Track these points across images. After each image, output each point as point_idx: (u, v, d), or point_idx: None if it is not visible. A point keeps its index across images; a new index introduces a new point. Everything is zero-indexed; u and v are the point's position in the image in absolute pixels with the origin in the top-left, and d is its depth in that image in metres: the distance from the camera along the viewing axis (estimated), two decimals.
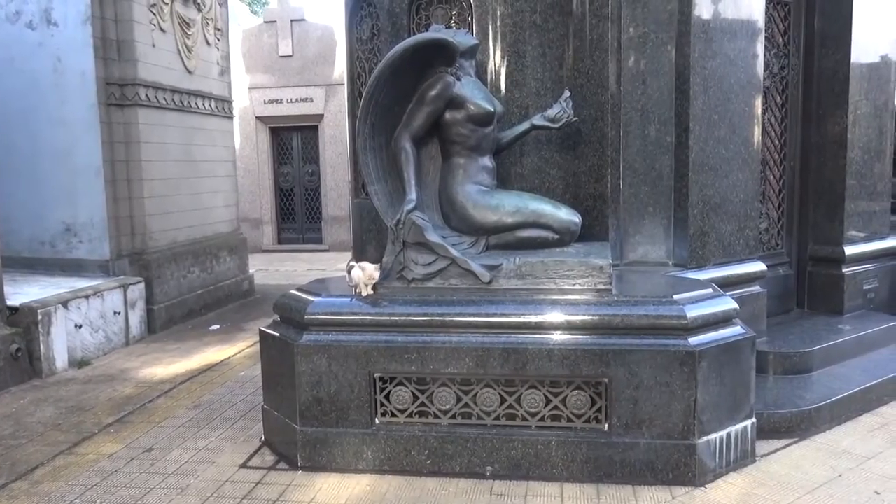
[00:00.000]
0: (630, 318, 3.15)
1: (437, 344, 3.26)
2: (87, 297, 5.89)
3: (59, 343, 5.51)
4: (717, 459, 3.17)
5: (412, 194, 3.43)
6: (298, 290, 3.74)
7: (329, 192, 13.91)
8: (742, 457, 3.27)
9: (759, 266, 4.26)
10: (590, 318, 3.18)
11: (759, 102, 4.22)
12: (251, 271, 9.15)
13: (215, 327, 7.02)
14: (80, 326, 5.76)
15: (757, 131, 4.23)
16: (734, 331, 3.27)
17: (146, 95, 6.82)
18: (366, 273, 3.43)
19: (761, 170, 4.48)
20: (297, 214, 14.39)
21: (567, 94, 3.63)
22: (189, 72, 7.70)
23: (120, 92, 6.63)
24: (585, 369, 3.14)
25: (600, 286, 3.29)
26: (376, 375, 3.33)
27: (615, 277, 3.41)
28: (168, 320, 7.01)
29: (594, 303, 3.23)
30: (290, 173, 14.29)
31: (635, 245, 4.06)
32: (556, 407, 3.22)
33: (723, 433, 3.17)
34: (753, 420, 3.31)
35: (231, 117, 8.75)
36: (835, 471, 3.23)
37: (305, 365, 3.37)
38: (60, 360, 5.52)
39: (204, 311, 7.66)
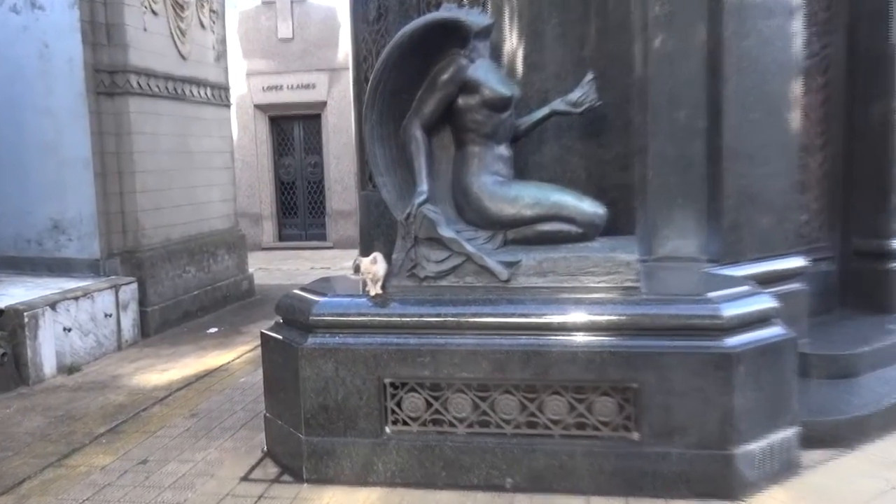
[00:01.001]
0: (660, 318, 3.13)
1: (452, 347, 3.25)
2: (76, 298, 5.92)
3: (47, 348, 5.54)
4: (757, 471, 3.14)
5: (423, 186, 3.43)
6: (302, 289, 3.74)
7: (333, 184, 13.95)
8: (784, 468, 3.24)
9: (799, 261, 4.21)
10: (616, 317, 3.16)
11: (797, 84, 4.18)
12: (250, 270, 9.19)
13: (213, 330, 7.04)
14: (69, 330, 5.79)
15: (796, 115, 4.19)
16: (773, 331, 3.23)
17: (138, 83, 6.85)
18: (365, 266, 3.43)
19: (801, 157, 4.43)
20: (299, 209, 14.44)
21: (590, 76, 3.61)
22: (183, 57, 7.72)
23: (110, 79, 6.65)
24: (612, 373, 3.12)
25: (627, 283, 3.27)
26: (387, 381, 3.33)
27: (643, 274, 3.39)
28: (162, 323, 7.04)
29: (621, 301, 3.21)
30: (292, 165, 14.34)
31: (665, 239, 4.01)
32: (581, 414, 3.19)
33: (763, 442, 3.15)
34: (796, 428, 3.27)
35: (228, 105, 8.78)
36: (888, 483, 3.18)
37: (310, 370, 3.37)
38: (48, 366, 5.55)
39: (200, 313, 7.69)
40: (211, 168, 8.32)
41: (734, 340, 3.09)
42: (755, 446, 3.12)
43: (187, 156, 7.82)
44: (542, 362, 3.17)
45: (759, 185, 4.02)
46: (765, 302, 3.30)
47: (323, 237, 14.20)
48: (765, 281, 3.81)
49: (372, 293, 3.47)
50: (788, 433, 3.24)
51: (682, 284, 3.48)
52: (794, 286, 4.15)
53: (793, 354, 3.24)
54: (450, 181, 3.61)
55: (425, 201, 3.40)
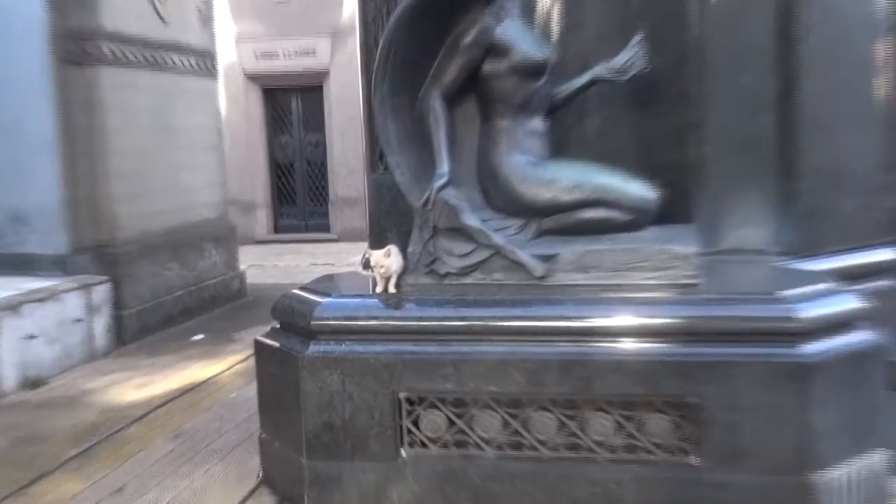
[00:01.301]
0: (724, 321, 3.10)
1: (479, 355, 3.23)
2: (40, 300, 5.96)
3: (9, 358, 5.59)
4: (839, 502, 3.09)
5: (444, 167, 3.42)
6: (302, 289, 3.74)
7: (338, 166, 13.99)
8: (872, 498, 3.18)
9: (888, 254, 4.18)
10: (672, 320, 3.13)
11: (887, 45, 4.13)
12: (242, 267, 9.24)
13: (199, 337, 7.08)
14: (34, 337, 5.82)
15: (886, 80, 4.14)
16: (859, 336, 3.18)
17: (111, 51, 6.86)
18: (376, 261, 3.44)
19: (891, 130, 4.37)
20: (298, 196, 14.51)
21: (638, 38, 3.58)
22: (163, 20, 7.74)
23: (78, 47, 6.67)
24: (667, 386, 3.09)
25: (684, 280, 3.25)
26: (402, 395, 3.32)
27: (703, 269, 3.36)
28: (141, 329, 7.08)
29: (677, 301, 3.19)
30: (289, 144, 14.41)
31: (729, 228, 3.98)
32: (630, 435, 3.17)
33: (846, 469, 3.09)
34: (885, 452, 3.21)
35: (215, 76, 8.80)
36: None
37: (313, 383, 3.37)
38: (9, 380, 5.60)
39: (184, 318, 7.74)
40: (196, 148, 8.36)
41: (812, 347, 3.04)
42: (836, 473, 3.07)
43: (168, 134, 7.86)
44: (584, 373, 3.14)
45: (840, 164, 3.99)
46: (848, 302, 3.25)
47: (326, 228, 14.27)
48: (848, 277, 3.76)
49: (384, 292, 3.47)
50: (876, 458, 3.18)
51: (749, 281, 3.46)
52: (882, 283, 4.09)
53: (881, 364, 3.18)
54: (475, 161, 3.60)
55: (446, 185, 3.38)
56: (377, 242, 4.04)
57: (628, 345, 3.16)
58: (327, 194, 14.27)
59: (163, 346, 6.79)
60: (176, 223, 7.90)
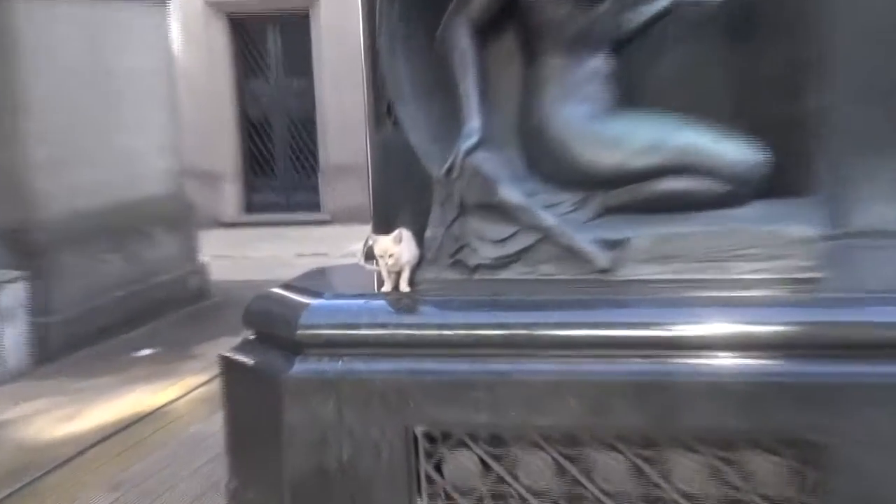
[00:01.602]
0: (856, 329, 3.07)
1: (523, 375, 3.21)
2: None
3: None
4: None
5: (474, 122, 3.41)
6: (285, 287, 3.74)
7: (330, 123, 14.00)
8: None
9: None
10: (785, 328, 3.09)
11: None
12: (204, 260, 9.32)
13: (147, 352, 7.13)
14: None
15: None
16: None
17: None
18: (383, 249, 3.43)
19: None
20: (277, 163, 14.55)
21: None
22: None
23: None
24: (780, 418, 3.05)
25: (802, 273, 3.23)
26: (419, 430, 3.30)
27: (828, 258, 3.32)
28: (70, 341, 7.11)
29: (793, 302, 3.17)
30: (266, 94, 14.43)
31: (860, 203, 3.82)
32: (731, 484, 3.13)
33: None
34: None
35: (165, 2, 8.79)
36: None
37: (300, 413, 3.35)
38: None
39: (128, 326, 7.78)
40: (141, 101, 8.41)
41: None
42: None
43: (104, 83, 7.90)
44: (666, 401, 3.11)
45: None
46: None
47: (315, 206, 14.30)
48: None
49: (393, 291, 3.46)
50: None
51: (889, 274, 3.38)
52: None
53: None
54: (515, 114, 3.57)
55: (477, 146, 3.37)
56: (384, 225, 3.95)
57: (726, 361, 3.12)
58: (316, 161, 14.29)
59: (99, 365, 6.80)
60: (115, 200, 7.91)
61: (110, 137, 7.89)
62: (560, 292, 3.34)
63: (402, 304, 3.43)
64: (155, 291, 8.17)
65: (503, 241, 3.40)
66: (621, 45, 3.64)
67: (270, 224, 14.04)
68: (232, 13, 14.25)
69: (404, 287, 3.45)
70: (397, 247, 3.42)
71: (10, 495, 4.46)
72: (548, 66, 3.51)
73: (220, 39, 14.30)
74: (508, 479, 3.27)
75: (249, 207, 14.60)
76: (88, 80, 7.59)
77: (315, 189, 14.34)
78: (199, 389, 6.04)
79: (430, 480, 3.34)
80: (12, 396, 6.12)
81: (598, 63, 3.54)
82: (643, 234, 3.33)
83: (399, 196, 4.07)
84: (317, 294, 3.56)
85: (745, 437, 3.11)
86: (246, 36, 14.48)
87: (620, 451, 3.20)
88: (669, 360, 3.16)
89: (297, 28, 14.25)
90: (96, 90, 7.71)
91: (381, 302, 3.46)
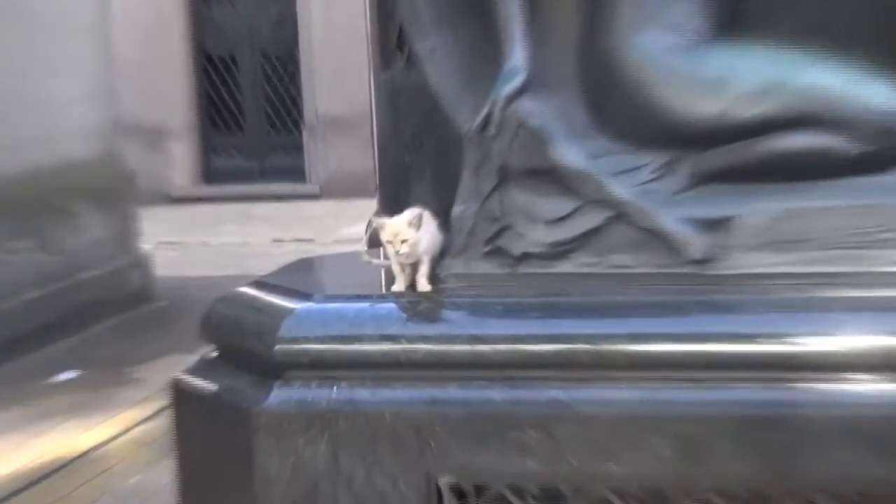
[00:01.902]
0: None
1: (586, 407, 2.80)
2: None
3: None
4: None
5: (517, 58, 3.02)
6: (257, 286, 3.34)
7: (320, 63, 13.52)
8: None
9: None
10: None
11: None
12: (146, 248, 9.00)
13: (70, 375, 6.77)
14: None
15: None
16: None
17: None
18: (392, 233, 2.99)
19: None
20: (245, 115, 14.11)
21: None
22: None
23: None
24: None
25: None
26: (445, 481, 2.88)
27: None
28: None
29: None
30: (229, 22, 13.88)
31: None
32: None
33: None
34: None
35: None
36: None
37: (279, 458, 2.93)
38: None
39: (44, 339, 7.31)
40: (59, 31, 7.92)
41: None
42: None
43: (10, 6, 7.38)
44: (786, 441, 2.72)
45: None
46: None
47: (299, 174, 13.95)
48: None
49: (408, 290, 3.00)
50: None
51: None
52: None
53: None
54: (574, 46, 3.15)
55: (522, 90, 2.94)
56: (393, 200, 3.57)
57: (869, 387, 2.76)
58: (300, 112, 13.80)
59: (4, 393, 6.35)
60: (24, 168, 7.46)
61: (18, 81, 7.45)
62: (639, 292, 2.98)
63: (421, 308, 3.00)
64: (80, 292, 7.85)
65: (559, 220, 3.01)
66: None
67: (237, 199, 13.54)
68: None
69: (423, 286, 2.99)
70: (413, 231, 2.98)
71: None
72: None
73: None
74: None
75: (208, 176, 14.14)
76: None
77: (298, 150, 13.94)
78: (140, 427, 5.71)
79: None
80: None
81: None
82: (753, 210, 2.96)
83: (414, 160, 3.73)
84: (302, 295, 3.15)
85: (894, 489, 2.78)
86: None
87: None
88: (791, 386, 2.80)
89: None
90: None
91: (392, 306, 3.05)
